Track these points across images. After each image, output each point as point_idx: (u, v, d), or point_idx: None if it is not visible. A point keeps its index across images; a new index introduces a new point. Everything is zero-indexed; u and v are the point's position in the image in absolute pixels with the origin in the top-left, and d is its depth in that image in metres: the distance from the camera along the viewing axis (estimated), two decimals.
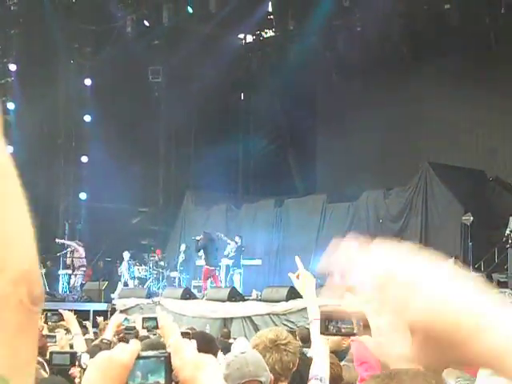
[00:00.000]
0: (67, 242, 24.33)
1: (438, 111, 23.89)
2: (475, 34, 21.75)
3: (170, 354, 1.43)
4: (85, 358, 6.03)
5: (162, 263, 23.57)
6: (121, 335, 7.16)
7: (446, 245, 19.22)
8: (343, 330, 2.15)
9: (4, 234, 1.24)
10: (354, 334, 2.08)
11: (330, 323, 2.17)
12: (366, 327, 2.01)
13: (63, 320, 6.92)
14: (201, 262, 22.43)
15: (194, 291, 20.61)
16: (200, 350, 1.46)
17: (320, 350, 4.08)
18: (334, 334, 2.28)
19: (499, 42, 22.16)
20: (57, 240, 24.44)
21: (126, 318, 7.57)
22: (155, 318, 3.94)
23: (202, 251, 21.45)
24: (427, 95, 24.08)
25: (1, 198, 1.21)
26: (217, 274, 21.26)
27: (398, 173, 22.80)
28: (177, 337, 1.46)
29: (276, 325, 16.01)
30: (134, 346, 1.39)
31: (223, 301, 17.84)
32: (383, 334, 1.66)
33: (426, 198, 20.25)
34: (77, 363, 5.62)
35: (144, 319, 5.44)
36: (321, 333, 2.28)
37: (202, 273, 21.53)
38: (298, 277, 4.36)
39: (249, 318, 17.01)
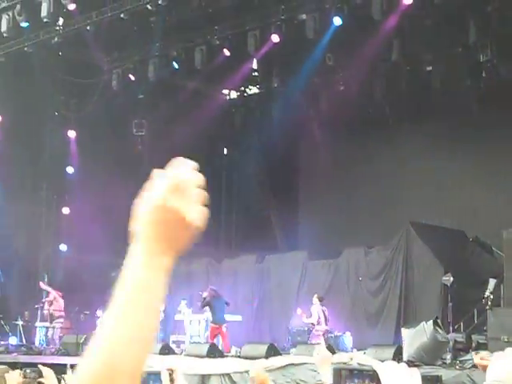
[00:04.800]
0: (50, 289, 24.05)
1: (419, 171, 24.10)
2: (457, 96, 22.07)
3: None
4: None
5: None
6: None
7: (426, 305, 19.24)
8: None
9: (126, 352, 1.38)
10: None
11: (342, 380, 2.18)
12: None
13: (42, 377, 6.83)
14: (180, 316, 22.28)
15: (173, 346, 20.41)
16: None
17: None
18: None
19: (480, 105, 22.47)
20: (41, 284, 24.24)
21: None
22: None
23: (207, 307, 20.96)
24: (409, 155, 24.31)
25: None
26: (224, 330, 20.60)
27: (379, 231, 22.86)
28: None
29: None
30: None
31: (202, 357, 17.67)
32: None
33: (407, 257, 20.28)
34: None
35: None
36: None
37: (208, 330, 20.96)
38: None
39: (227, 375, 16.84)
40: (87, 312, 24.08)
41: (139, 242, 1.49)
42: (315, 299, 20.06)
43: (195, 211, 1.56)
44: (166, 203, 1.50)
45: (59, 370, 13.48)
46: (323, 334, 19.61)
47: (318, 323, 19.80)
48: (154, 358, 17.36)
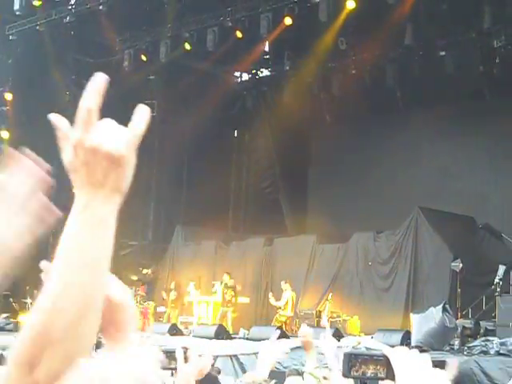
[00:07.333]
0: None
1: (429, 156, 24.03)
2: (469, 81, 21.94)
3: None
4: None
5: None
6: None
7: (435, 290, 19.21)
8: (368, 374, 2.12)
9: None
10: (379, 379, 2.05)
11: (353, 366, 2.14)
12: (389, 371, 2.00)
13: None
14: (189, 298, 22.38)
15: (181, 327, 20.47)
16: None
17: None
18: (358, 378, 2.26)
19: (492, 91, 22.35)
20: (42, 263, 24.24)
21: None
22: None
23: None
24: (419, 140, 24.22)
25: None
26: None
27: (388, 216, 22.81)
28: None
29: None
30: None
31: (210, 338, 17.73)
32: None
33: (416, 242, 20.23)
34: None
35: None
36: (343, 375, 2.22)
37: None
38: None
39: (235, 356, 16.88)
40: None
41: (76, 189, 1.50)
42: (285, 285, 20.51)
43: (112, 141, 1.47)
44: (84, 144, 1.46)
45: None
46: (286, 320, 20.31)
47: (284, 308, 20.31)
48: (165, 338, 17.41)
